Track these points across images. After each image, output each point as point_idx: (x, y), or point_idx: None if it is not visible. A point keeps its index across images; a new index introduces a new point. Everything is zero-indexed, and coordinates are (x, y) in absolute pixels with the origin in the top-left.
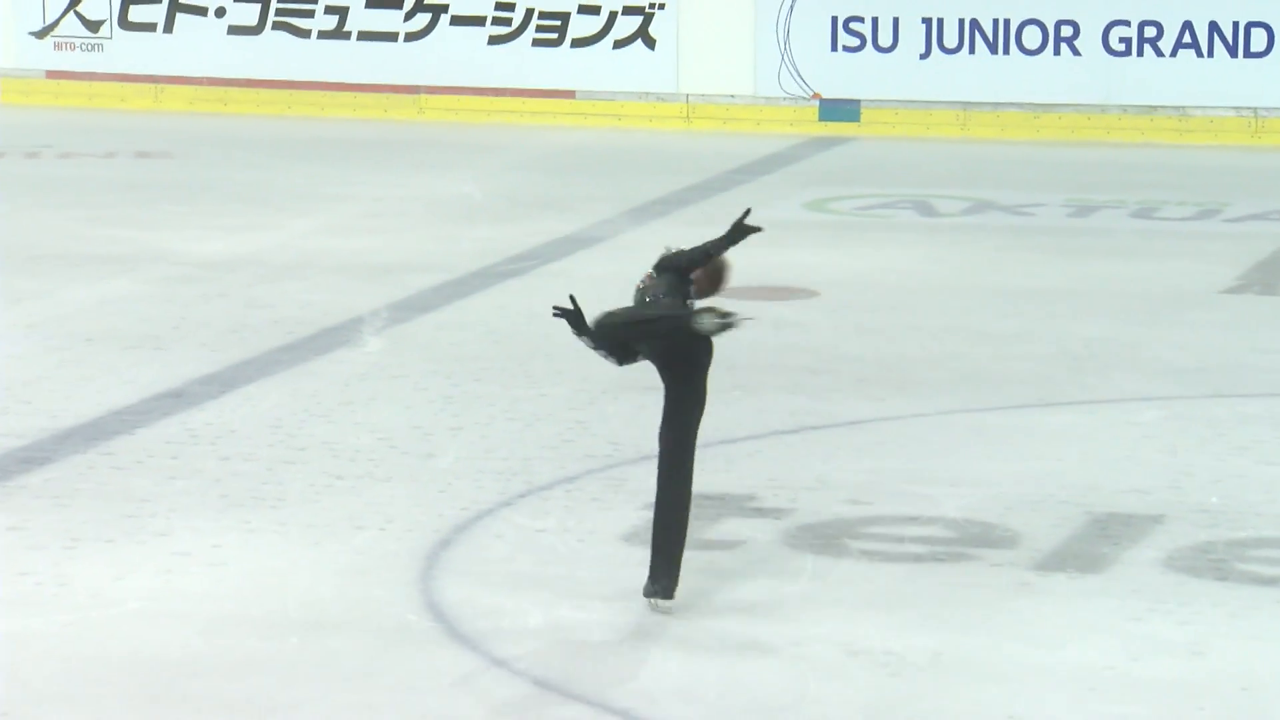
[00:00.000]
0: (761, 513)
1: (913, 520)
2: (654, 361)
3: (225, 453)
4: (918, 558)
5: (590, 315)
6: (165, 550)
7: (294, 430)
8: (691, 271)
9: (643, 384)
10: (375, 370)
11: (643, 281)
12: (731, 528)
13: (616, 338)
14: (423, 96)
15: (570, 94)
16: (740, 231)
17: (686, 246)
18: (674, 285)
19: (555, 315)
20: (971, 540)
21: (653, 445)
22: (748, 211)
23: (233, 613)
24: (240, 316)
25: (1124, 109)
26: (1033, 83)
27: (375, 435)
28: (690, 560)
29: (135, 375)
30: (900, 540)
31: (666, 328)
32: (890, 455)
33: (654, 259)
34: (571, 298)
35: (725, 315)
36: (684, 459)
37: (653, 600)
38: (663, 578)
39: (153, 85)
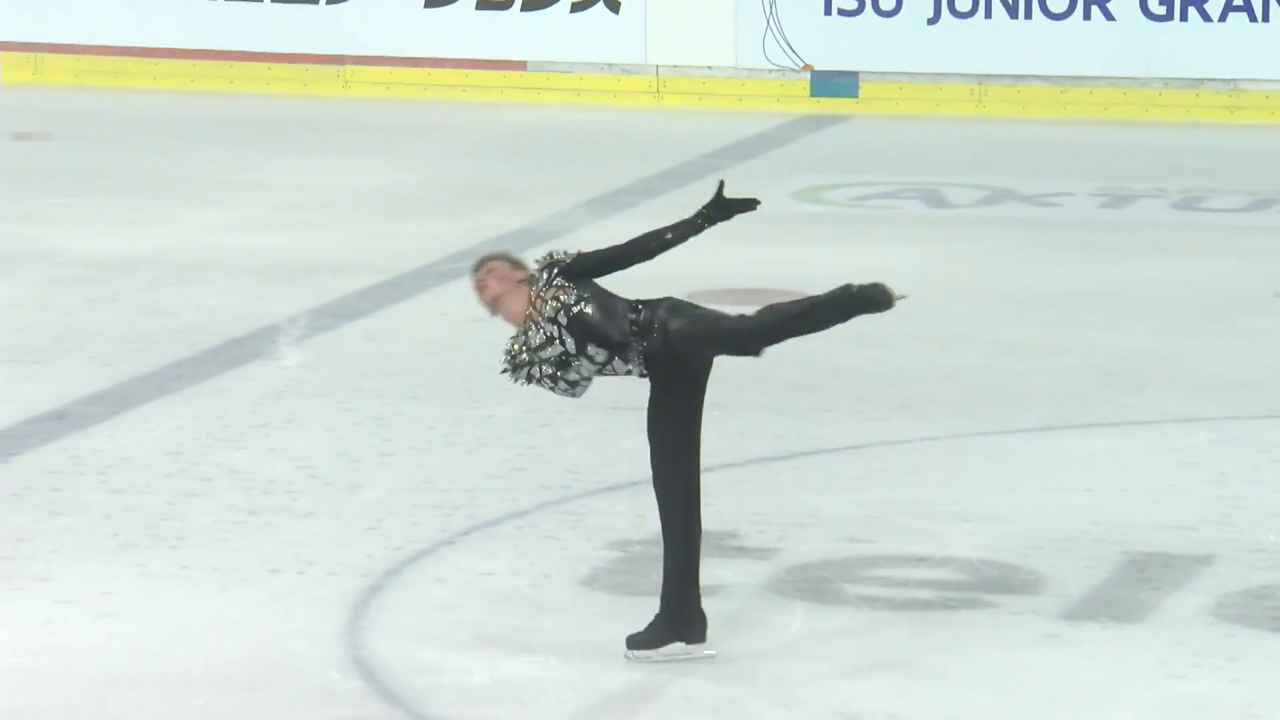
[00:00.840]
0: (744, 553)
1: (920, 562)
2: (655, 373)
3: (117, 484)
4: (925, 605)
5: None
6: (47, 598)
7: (198, 458)
8: (621, 269)
9: (603, 403)
10: (294, 388)
11: (567, 294)
12: (708, 570)
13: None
14: (348, 68)
15: (521, 65)
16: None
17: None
18: (606, 292)
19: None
20: (988, 585)
21: (615, 474)
22: (722, 185)
23: (126, 671)
24: (135, 325)
25: (1165, 83)
26: (1059, 52)
27: (293, 463)
28: (650, 609)
29: (11, 393)
30: (905, 585)
31: (829, 313)
32: (893, 485)
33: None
34: (721, 184)
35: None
36: (689, 488)
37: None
38: (698, 619)
39: (31, 54)
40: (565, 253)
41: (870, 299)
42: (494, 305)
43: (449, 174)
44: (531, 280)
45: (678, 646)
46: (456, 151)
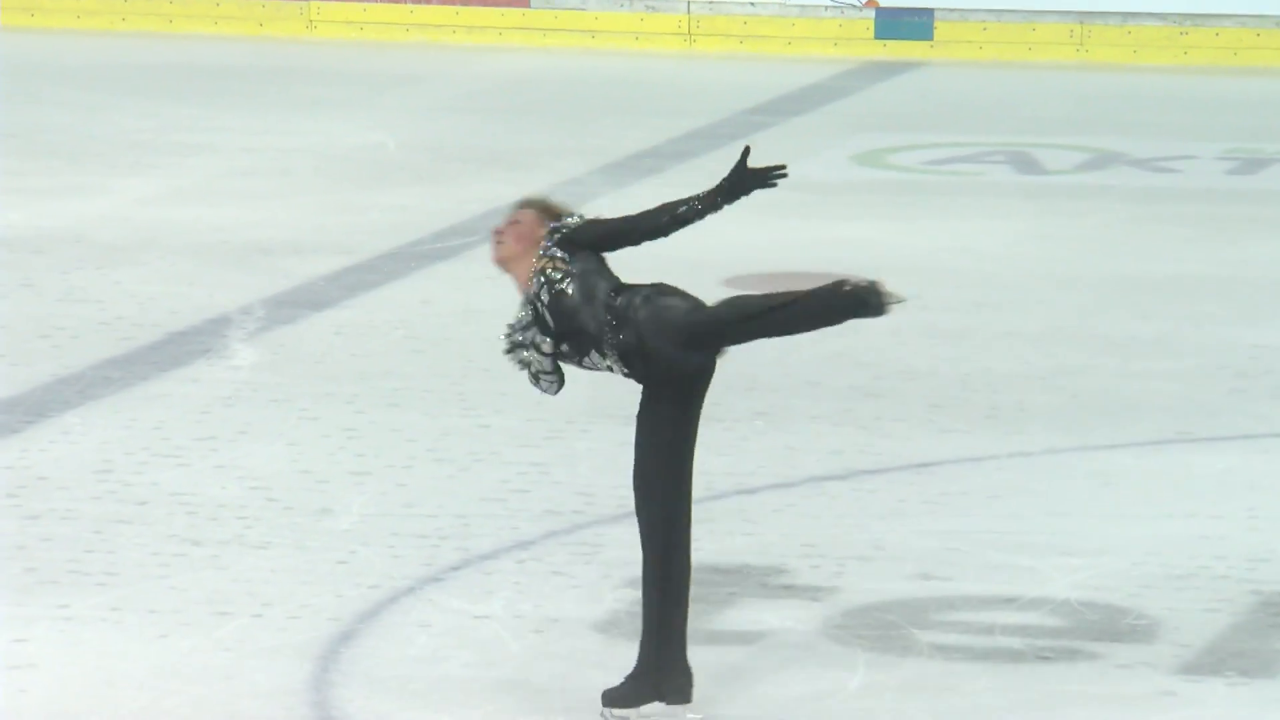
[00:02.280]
0: (793, 592)
1: (1007, 603)
2: (649, 378)
3: (32, 509)
4: (1014, 656)
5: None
6: None
7: (130, 477)
8: (633, 245)
9: (622, 411)
10: (246, 392)
11: (546, 268)
12: (751, 613)
13: (728, 343)
14: (313, 4)
15: (524, 1)
16: (743, 179)
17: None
18: (604, 266)
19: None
20: (1090, 632)
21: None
22: (748, 151)
23: None
24: (53, 316)
25: None
26: None
27: (247, 484)
28: (692, 660)
29: None
30: (989, 632)
31: (810, 313)
32: (975, 511)
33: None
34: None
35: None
36: (679, 515)
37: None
38: (676, 674)
39: None
40: (579, 217)
41: (861, 301)
42: (504, 267)
43: (435, 134)
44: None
45: (656, 706)
46: (444, 106)
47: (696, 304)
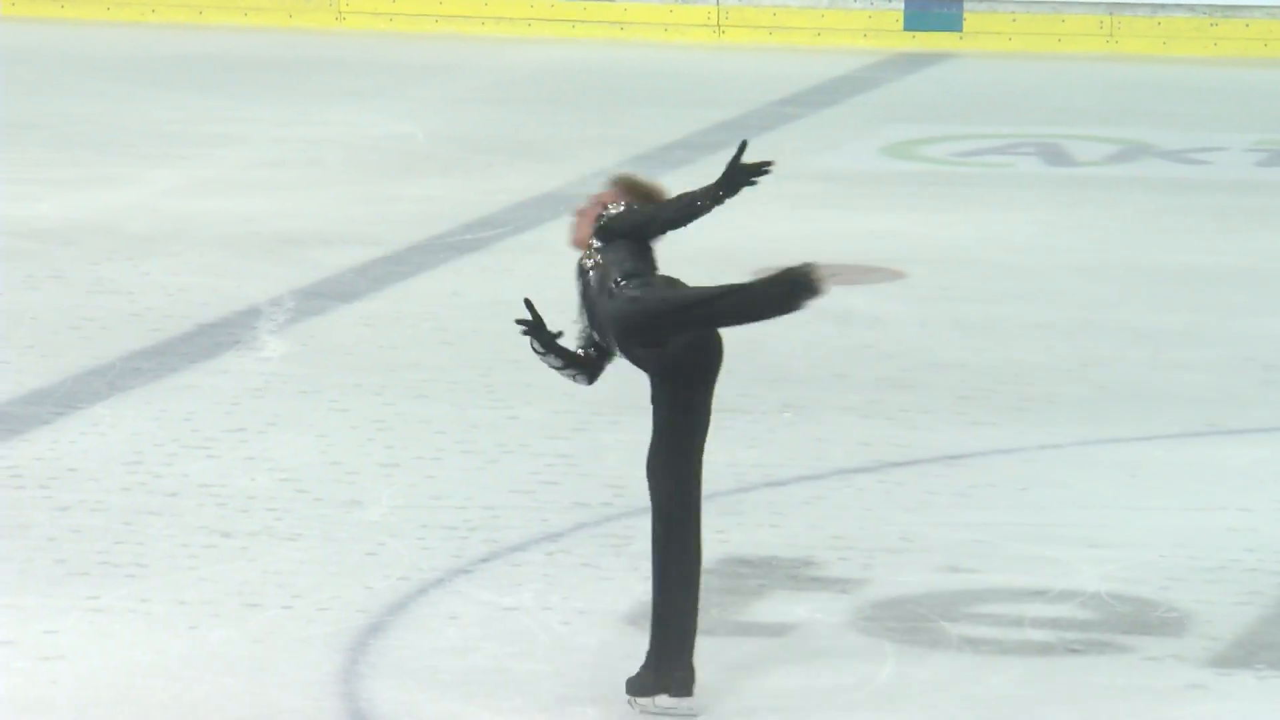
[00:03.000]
0: (821, 584)
1: (1036, 596)
2: (652, 370)
3: (63, 500)
4: (1042, 649)
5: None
6: None
7: (160, 468)
8: (658, 236)
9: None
10: (276, 383)
11: (586, 256)
12: (780, 605)
13: (654, 336)
14: None
15: None
16: (738, 174)
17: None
18: (638, 257)
19: (522, 332)
20: (1120, 624)
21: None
22: (744, 146)
23: None
24: (83, 307)
25: None
26: None
27: (276, 475)
28: (720, 652)
29: None
30: (1018, 624)
31: (744, 307)
32: (1004, 504)
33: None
34: (528, 302)
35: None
36: (688, 508)
37: (653, 699)
38: (676, 667)
39: None
40: (620, 206)
41: (797, 284)
42: (577, 249)
43: (463, 125)
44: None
45: (664, 700)
46: (473, 97)
47: (637, 295)
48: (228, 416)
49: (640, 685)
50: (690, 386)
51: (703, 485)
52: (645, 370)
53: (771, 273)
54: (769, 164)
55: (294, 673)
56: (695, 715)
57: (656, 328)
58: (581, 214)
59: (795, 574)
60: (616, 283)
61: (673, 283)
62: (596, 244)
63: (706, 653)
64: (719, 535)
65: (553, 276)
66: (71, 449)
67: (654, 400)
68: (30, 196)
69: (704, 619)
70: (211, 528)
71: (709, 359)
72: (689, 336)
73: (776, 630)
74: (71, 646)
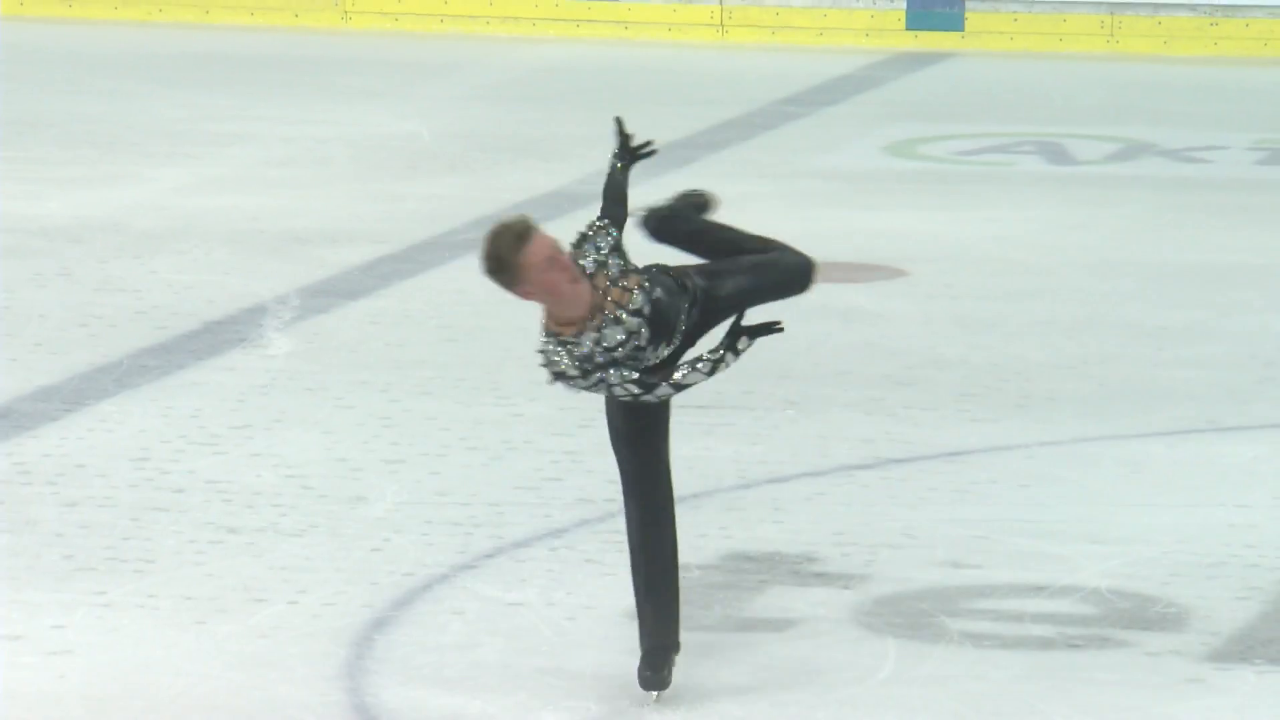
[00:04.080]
0: (824, 580)
1: (1037, 591)
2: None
3: (70, 496)
4: (1044, 644)
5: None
6: None
7: (167, 465)
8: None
9: None
10: (281, 380)
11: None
12: (782, 601)
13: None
14: None
15: None
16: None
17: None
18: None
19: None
20: (1120, 620)
21: (676, 487)
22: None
23: None
24: (91, 305)
25: None
26: None
27: (282, 471)
28: (723, 646)
29: None
30: (1019, 619)
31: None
32: (1005, 500)
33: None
34: (618, 121)
35: None
36: (664, 486)
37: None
38: (664, 666)
39: None
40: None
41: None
42: None
43: (469, 123)
44: None
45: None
46: (478, 96)
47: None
48: (234, 413)
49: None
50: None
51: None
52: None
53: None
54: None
55: (300, 667)
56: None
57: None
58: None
59: (798, 569)
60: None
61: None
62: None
63: (709, 647)
64: (722, 531)
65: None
66: (79, 445)
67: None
68: (38, 195)
69: (707, 615)
70: (218, 524)
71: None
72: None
73: (779, 625)
74: (79, 641)
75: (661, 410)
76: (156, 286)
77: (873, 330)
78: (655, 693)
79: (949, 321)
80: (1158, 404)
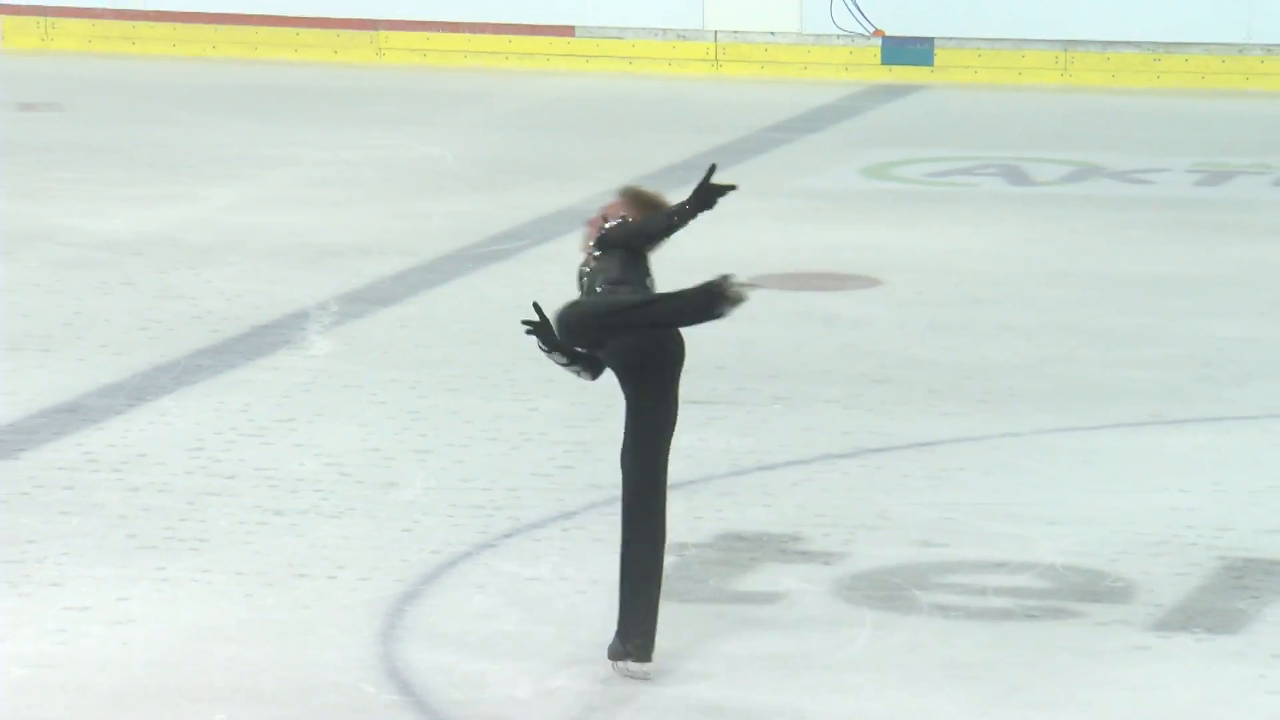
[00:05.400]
0: (808, 557)
1: (999, 567)
2: (614, 367)
3: (133, 482)
4: (1005, 614)
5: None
6: (57, 605)
7: (219, 454)
8: (648, 247)
9: None
10: (322, 379)
11: (585, 263)
12: (770, 576)
13: (589, 337)
14: (381, 34)
15: (569, 30)
16: (707, 193)
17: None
18: (628, 264)
19: (527, 332)
20: (1073, 593)
21: (670, 472)
22: (713, 168)
23: (142, 683)
24: (151, 311)
25: (1268, 49)
26: (1152, 17)
27: (322, 460)
28: (718, 617)
29: (17, 385)
30: (982, 592)
31: (666, 314)
32: (971, 485)
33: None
34: (536, 305)
35: (740, 286)
36: (653, 492)
37: (623, 664)
38: (635, 635)
39: (39, 19)
40: (620, 219)
41: (716, 294)
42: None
43: (489, 148)
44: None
45: (632, 665)
46: (497, 123)
47: (594, 301)
48: (279, 408)
49: (613, 651)
50: (649, 381)
51: (671, 474)
52: (610, 367)
53: (699, 284)
54: (733, 186)
55: (338, 635)
56: (649, 677)
57: (591, 328)
58: (590, 224)
59: (784, 548)
60: (595, 290)
61: (647, 290)
62: (595, 253)
63: (703, 618)
64: (716, 514)
65: (569, 283)
66: (141, 437)
67: (624, 395)
68: (104, 213)
69: (702, 588)
70: (265, 507)
71: (665, 357)
72: (643, 336)
73: (767, 598)
74: (141, 612)
75: (667, 411)
76: (210, 294)
77: (852, 334)
78: (624, 663)
79: (920, 326)
80: (1108, 400)
